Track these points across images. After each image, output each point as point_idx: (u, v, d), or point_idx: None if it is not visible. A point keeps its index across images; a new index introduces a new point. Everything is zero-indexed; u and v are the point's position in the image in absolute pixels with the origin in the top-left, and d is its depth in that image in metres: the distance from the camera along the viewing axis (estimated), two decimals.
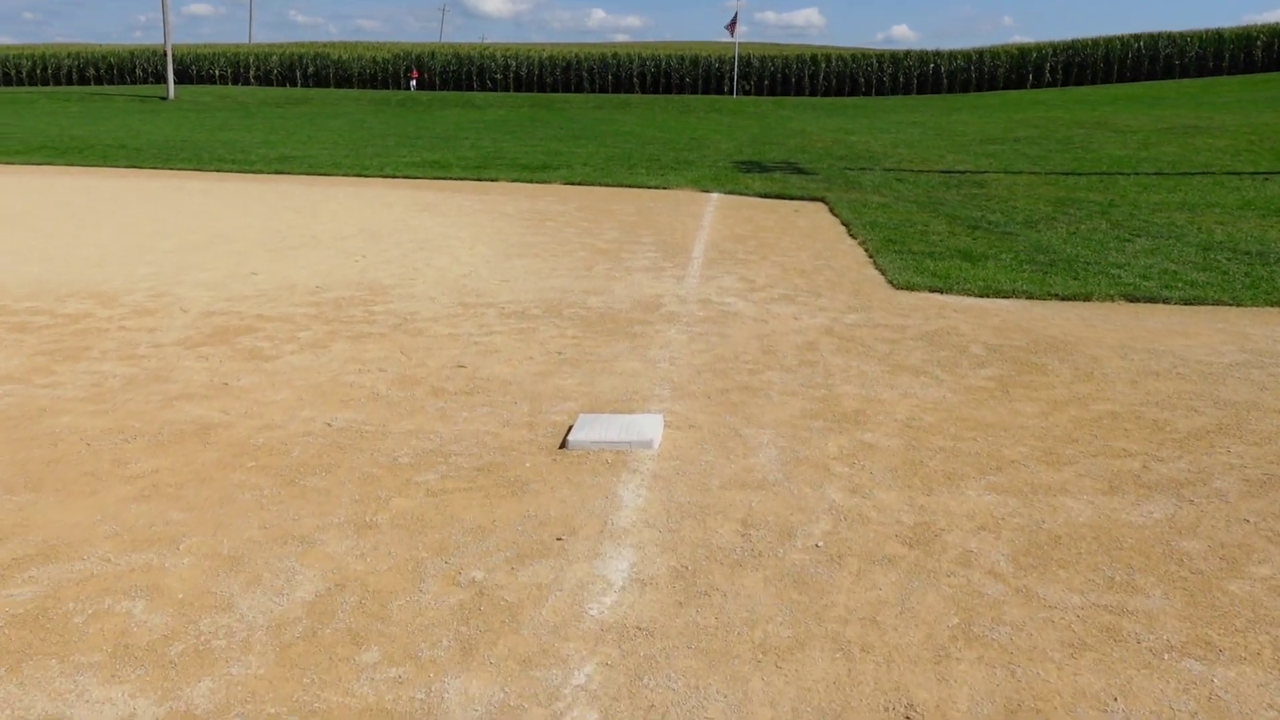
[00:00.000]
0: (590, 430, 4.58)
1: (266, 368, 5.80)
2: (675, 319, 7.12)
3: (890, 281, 8.49)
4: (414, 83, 57.94)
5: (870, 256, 9.71)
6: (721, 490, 4.07)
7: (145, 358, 5.96)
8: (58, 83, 61.15)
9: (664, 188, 15.89)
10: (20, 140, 24.76)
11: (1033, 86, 55.04)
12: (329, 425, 4.83)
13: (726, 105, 49.18)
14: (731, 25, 54.03)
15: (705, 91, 58.96)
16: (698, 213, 13.20)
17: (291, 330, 6.65)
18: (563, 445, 4.53)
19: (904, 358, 6.13)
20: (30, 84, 61.04)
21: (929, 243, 10.40)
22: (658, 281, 8.49)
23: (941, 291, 8.12)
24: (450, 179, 17.23)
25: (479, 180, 17.02)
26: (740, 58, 57.40)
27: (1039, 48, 56.95)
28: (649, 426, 4.61)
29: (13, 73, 61.91)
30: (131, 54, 62.44)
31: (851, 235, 11.11)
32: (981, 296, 7.98)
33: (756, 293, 8.03)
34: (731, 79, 57.60)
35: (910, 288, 8.24)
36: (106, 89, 57.68)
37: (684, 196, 15.01)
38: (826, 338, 6.61)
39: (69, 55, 63.18)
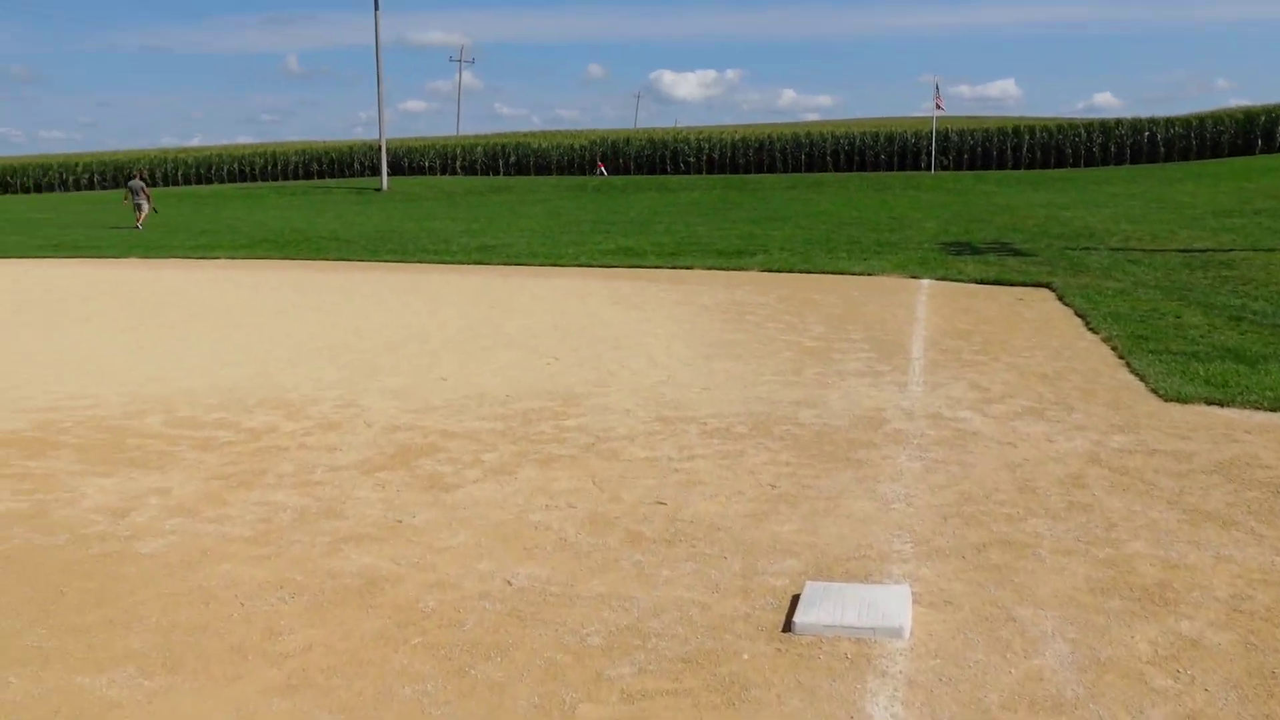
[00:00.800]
0: (821, 608, 3.70)
1: (446, 500, 5.22)
2: (904, 440, 6.17)
3: (1154, 390, 7.23)
4: (601, 170, 59.19)
5: (1121, 357, 8.45)
6: (1004, 712, 3.10)
7: (321, 485, 5.49)
8: (286, 177, 65.74)
9: (868, 274, 14.93)
10: (247, 234, 26.19)
11: (1263, 152, 50.93)
12: (509, 584, 4.14)
13: (924, 181, 47.70)
14: (938, 98, 52.76)
15: (901, 168, 57.57)
16: (909, 302, 12.17)
17: (476, 451, 6.08)
18: (787, 627, 3.66)
19: (1201, 500, 4.96)
20: (263, 179, 65.87)
21: (1188, 339, 9.02)
22: (876, 389, 7.55)
23: (1222, 404, 6.82)
24: (645, 267, 16.81)
25: (674, 268, 16.53)
26: (938, 132, 55.85)
27: (1267, 110, 52.81)
28: (896, 606, 3.69)
29: (249, 169, 67.03)
30: (351, 149, 66.54)
31: (1091, 329, 9.83)
32: (1274, 411, 6.65)
33: (994, 405, 6.97)
34: (929, 154, 56.04)
35: (1181, 399, 6.97)
36: (328, 182, 61.54)
37: (891, 284, 14.00)
38: (1094, 469, 5.50)
39: (296, 152, 67.94)
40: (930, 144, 55.83)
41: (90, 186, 68.98)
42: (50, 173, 70.21)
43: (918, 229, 22.81)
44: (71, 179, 69.76)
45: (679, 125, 78.90)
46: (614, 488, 5.37)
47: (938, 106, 54.13)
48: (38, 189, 69.28)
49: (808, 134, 61.33)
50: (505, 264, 18.01)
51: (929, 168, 55.32)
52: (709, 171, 59.29)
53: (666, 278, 15.35)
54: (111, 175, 68.50)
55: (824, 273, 15.28)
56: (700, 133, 64.39)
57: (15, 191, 69.05)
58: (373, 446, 6.24)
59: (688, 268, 16.46)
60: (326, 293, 14.47)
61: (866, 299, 12.45)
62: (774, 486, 5.32)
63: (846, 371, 8.20)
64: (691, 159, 60.37)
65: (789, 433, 6.38)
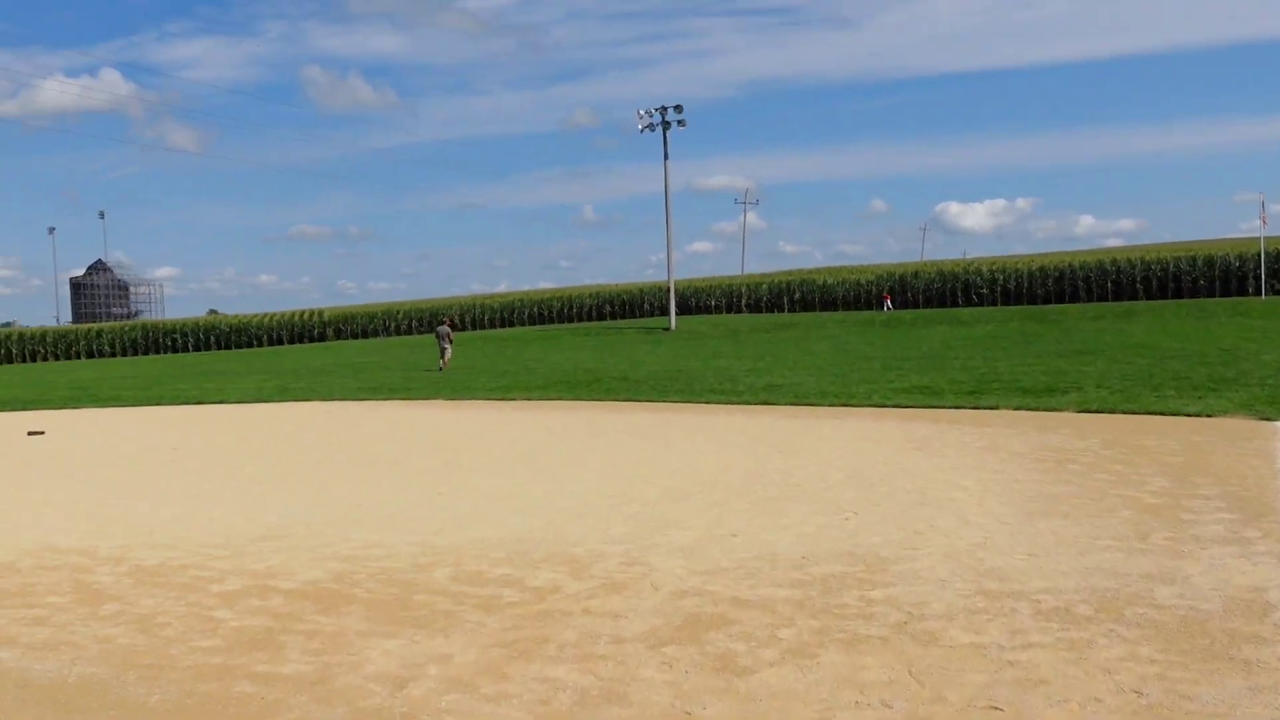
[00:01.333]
0: None
1: (739, 688, 4.59)
2: None
3: None
4: (888, 304, 57.93)
5: None
6: None
7: (604, 659, 5.03)
8: (581, 319, 69.15)
9: (1206, 415, 13.17)
10: (542, 375, 27.27)
11: None
12: None
13: (1254, 307, 43.18)
14: (1263, 216, 48.21)
15: (1224, 293, 52.65)
16: (1267, 450, 10.48)
17: (772, 625, 5.44)
18: None
19: None
20: (560, 321, 69.63)
21: None
22: (1250, 563, 6.26)
23: None
24: (944, 407, 15.75)
25: (976, 408, 15.36)
26: (1267, 253, 50.76)
27: None
28: None
29: (547, 312, 71.14)
30: (641, 290, 69.21)
31: None
32: None
33: None
34: (1256, 277, 50.92)
35: None
36: (619, 322, 64.04)
37: (1237, 427, 12.22)
38: None
39: (590, 294, 71.51)
40: (1258, 266, 50.81)
41: (409, 331, 75.44)
42: (376, 319, 77.45)
43: (1255, 362, 20.29)
44: (394, 324, 76.62)
45: (967, 256, 76.59)
46: (935, 682, 4.54)
47: (1263, 224, 49.41)
48: (365, 334, 76.55)
49: (1113, 260, 57.61)
50: (793, 404, 17.48)
51: (1258, 292, 50.22)
52: (1004, 303, 56.73)
53: (969, 419, 14.24)
54: (427, 320, 74.59)
55: (1152, 413, 13.65)
56: (993, 263, 62.00)
57: (347, 337, 76.58)
58: (659, 614, 5.74)
59: (992, 408, 15.24)
60: (615, 435, 14.45)
61: (1211, 445, 10.85)
62: (1140, 694, 4.31)
63: (1205, 537, 6.93)
64: (984, 290, 58.09)
65: (1146, 617, 5.30)
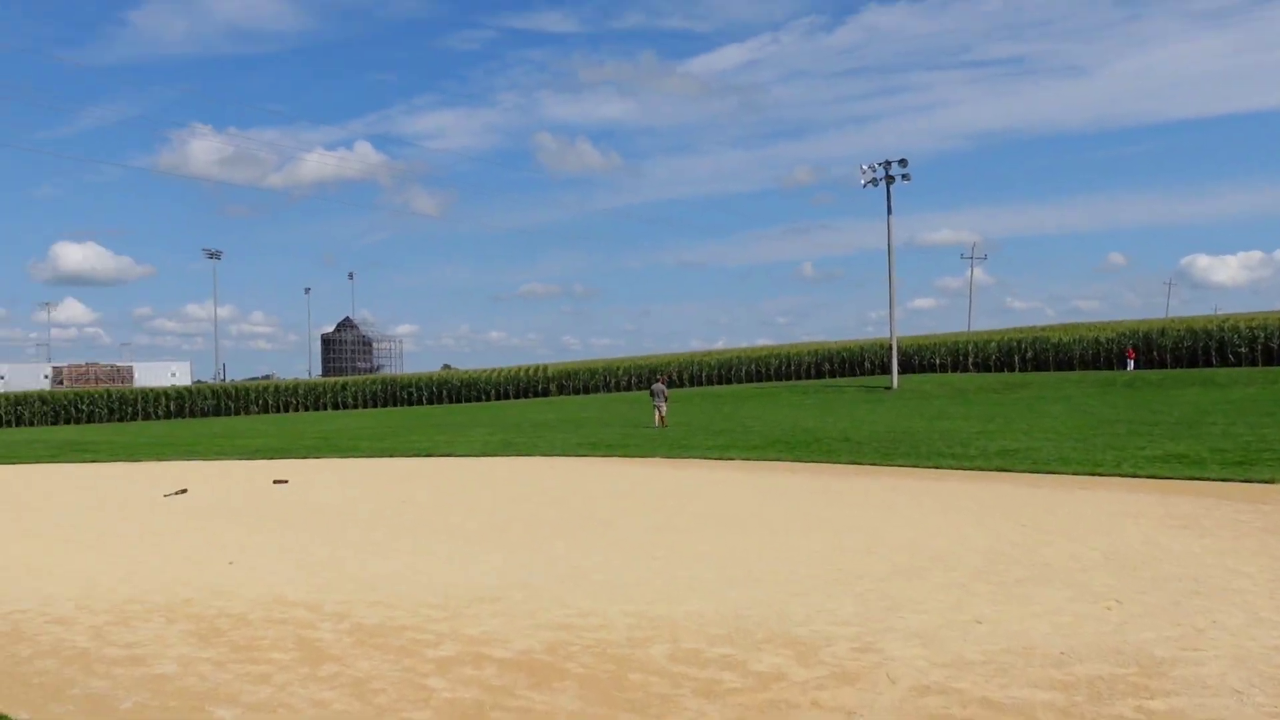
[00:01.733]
0: None
1: None
2: None
3: None
4: (1131, 363, 53.92)
5: None
6: None
7: None
8: (799, 376, 68.16)
9: None
10: (760, 434, 26.77)
11: None
12: None
13: None
14: None
15: None
16: None
17: None
18: None
19: None
20: (778, 379, 68.88)
21: None
22: None
23: None
24: (1207, 479, 14.19)
25: (1246, 481, 13.74)
26: None
27: None
28: None
29: (765, 369, 70.58)
30: (861, 348, 67.59)
31: None
32: None
33: None
34: None
35: None
36: (838, 381, 62.67)
37: None
38: None
39: (809, 352, 70.44)
40: None
41: (629, 387, 76.59)
42: (597, 375, 79.10)
43: None
44: (614, 380, 78.01)
45: (1220, 312, 70.65)
46: None
47: None
48: (586, 390, 78.30)
49: None
50: (1031, 471, 16.23)
51: None
52: (1265, 363, 51.75)
53: (1239, 494, 12.72)
54: (646, 377, 75.53)
55: None
56: (1251, 320, 56.79)
57: (570, 392, 78.54)
58: (897, 713, 5.13)
59: (1267, 481, 13.59)
60: (838, 500, 13.77)
61: None
62: None
63: None
64: (1243, 349, 53.23)
65: None
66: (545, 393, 79.98)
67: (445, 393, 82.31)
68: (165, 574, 9.63)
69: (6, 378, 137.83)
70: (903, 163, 52.12)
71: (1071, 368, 57.22)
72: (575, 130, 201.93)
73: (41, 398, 76.57)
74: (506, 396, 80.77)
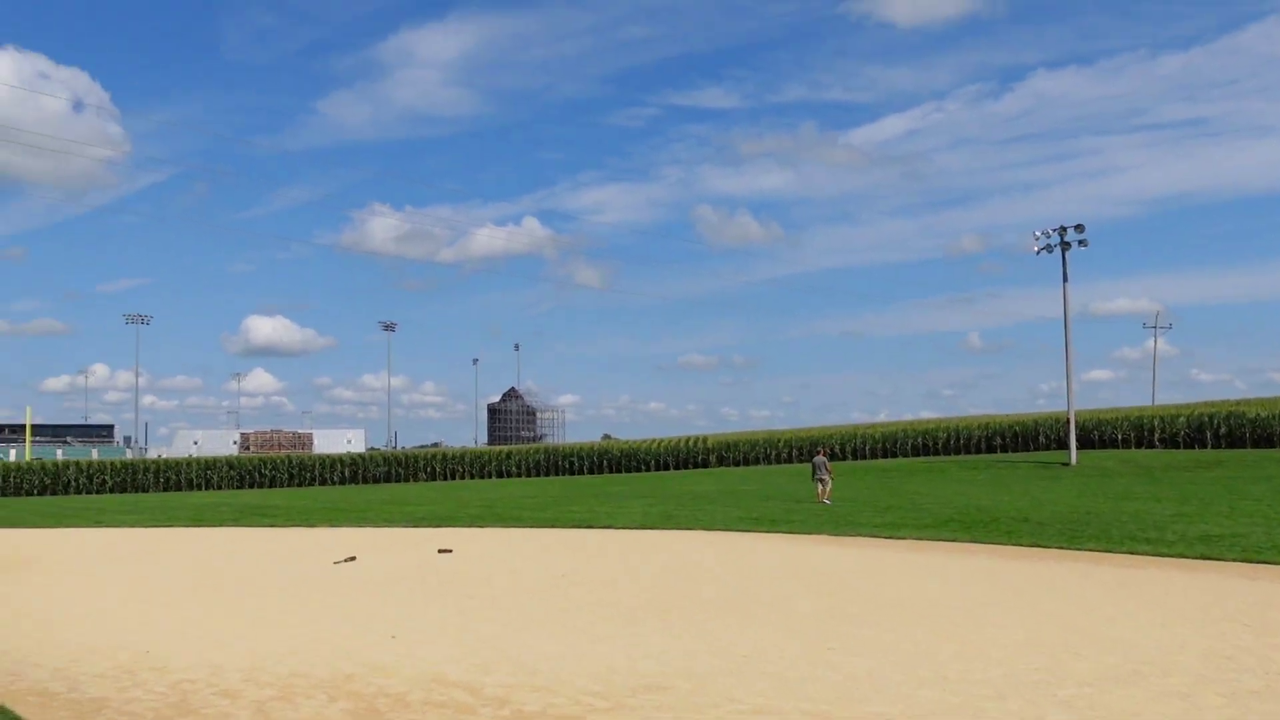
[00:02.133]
0: None
1: None
2: None
3: None
4: None
5: None
6: None
7: None
8: (967, 451, 65.50)
9: None
10: (931, 512, 25.53)
11: None
12: None
13: None
14: None
15: None
16: None
17: None
18: None
19: None
20: (944, 453, 66.39)
21: None
22: None
23: None
24: None
25: None
26: None
27: None
28: None
29: (932, 443, 68.19)
30: (1035, 421, 64.54)
31: None
32: None
33: None
34: None
35: None
36: (1010, 456, 59.89)
37: None
38: None
39: (978, 425, 67.73)
40: None
41: (789, 460, 75.27)
42: (757, 447, 78.13)
43: None
44: (774, 453, 76.87)
45: None
46: None
47: None
48: (746, 462, 77.38)
49: None
50: (1241, 560, 14.73)
51: None
52: None
53: None
54: (806, 449, 74.12)
55: None
56: None
57: (729, 464, 77.79)
58: None
59: None
60: (1025, 588, 12.74)
61: None
62: None
63: None
64: None
65: None
66: (704, 464, 79.44)
67: (605, 462, 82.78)
68: (330, 646, 9.59)
69: (200, 443, 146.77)
70: (1078, 228, 49.96)
71: (1271, 445, 53.00)
72: (735, 202, 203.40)
73: (229, 463, 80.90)
74: (666, 467, 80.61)
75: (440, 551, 18.76)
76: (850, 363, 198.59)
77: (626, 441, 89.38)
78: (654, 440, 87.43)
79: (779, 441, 77.69)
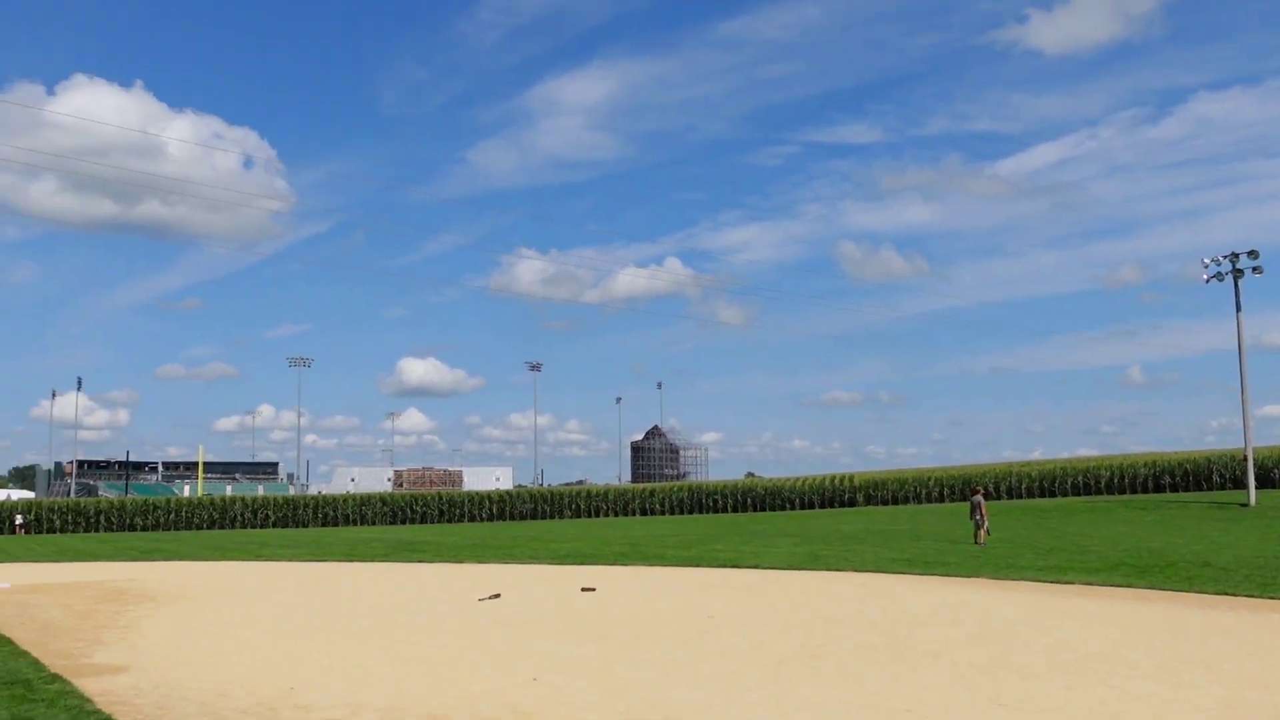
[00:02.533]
0: None
1: None
2: None
3: None
4: None
5: None
6: None
7: None
8: (1133, 490, 62.00)
9: None
10: (1098, 554, 23.97)
11: None
12: None
13: None
14: None
15: None
16: None
17: None
18: None
19: None
20: (1106, 492, 62.99)
21: None
22: None
23: None
24: None
25: None
26: None
27: None
28: None
29: (1092, 482, 64.82)
30: (1207, 459, 60.65)
31: None
32: None
33: None
34: None
35: None
36: (1181, 495, 56.36)
37: None
38: None
39: (1144, 463, 64.05)
40: None
41: (940, 499, 72.79)
42: (906, 486, 75.89)
43: None
44: (924, 492, 74.47)
45: None
46: None
47: None
48: (894, 501, 75.19)
49: None
50: None
51: None
52: None
53: None
54: (959, 489, 71.51)
55: None
56: None
57: (876, 503, 75.72)
58: None
59: None
60: (1220, 644, 11.58)
61: None
62: None
63: None
64: None
65: None
66: (851, 503, 77.59)
67: (750, 501, 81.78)
68: (471, 687, 9.36)
69: (357, 480, 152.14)
70: (1252, 254, 46.90)
71: None
72: (879, 237, 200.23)
73: (382, 499, 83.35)
74: (811, 506, 79.07)
75: (584, 590, 18.53)
76: (1003, 399, 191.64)
77: (771, 480, 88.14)
78: (799, 479, 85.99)
79: (929, 480, 75.28)
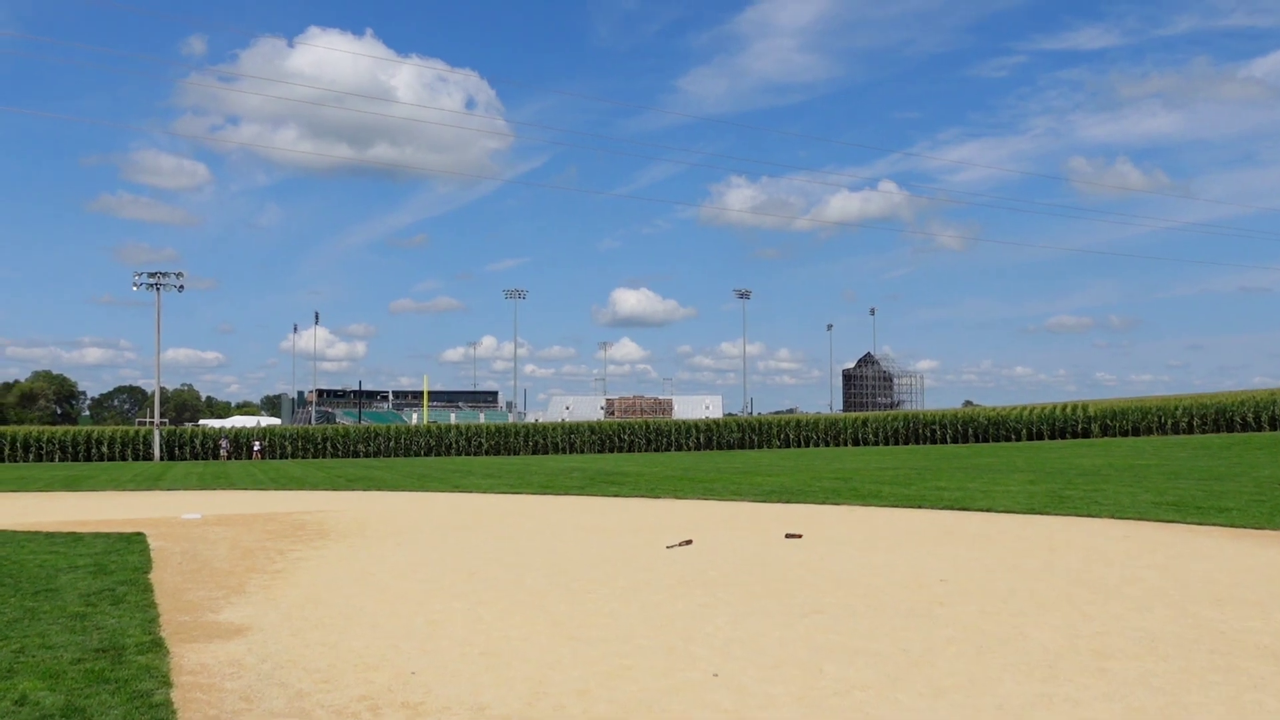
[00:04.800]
0: None
1: None
2: None
3: None
4: None
5: None
6: None
7: None
8: None
9: None
10: None
11: None
12: None
13: None
14: None
15: None
16: None
17: None
18: None
19: None
20: None
21: None
22: None
23: None
24: None
25: None
26: None
27: None
28: None
29: None
30: None
31: None
32: None
33: None
34: None
35: None
36: None
37: None
38: None
39: None
40: None
41: (1187, 430, 66.03)
42: (1149, 415, 69.27)
43: None
44: (1169, 422, 67.72)
45: None
46: None
47: None
48: (1135, 432, 68.78)
49: None
50: None
51: None
52: None
53: None
54: (1212, 417, 64.55)
55: None
56: None
57: (1113, 434, 69.54)
58: None
59: None
60: None
61: None
62: None
63: None
64: None
65: None
66: (1085, 434, 71.64)
67: (971, 431, 77.01)
68: (629, 685, 7.16)
69: (571, 409, 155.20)
70: None
71: None
72: (1113, 150, 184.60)
73: (591, 427, 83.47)
74: (1039, 437, 73.62)
75: (788, 536, 16.12)
76: (1251, 322, 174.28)
77: (994, 409, 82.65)
78: (1024, 407, 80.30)
79: (1175, 409, 68.40)
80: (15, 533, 17.83)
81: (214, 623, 9.65)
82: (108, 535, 17.22)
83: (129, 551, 14.80)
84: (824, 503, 23.25)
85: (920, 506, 21.75)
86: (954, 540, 15.64)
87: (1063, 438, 72.05)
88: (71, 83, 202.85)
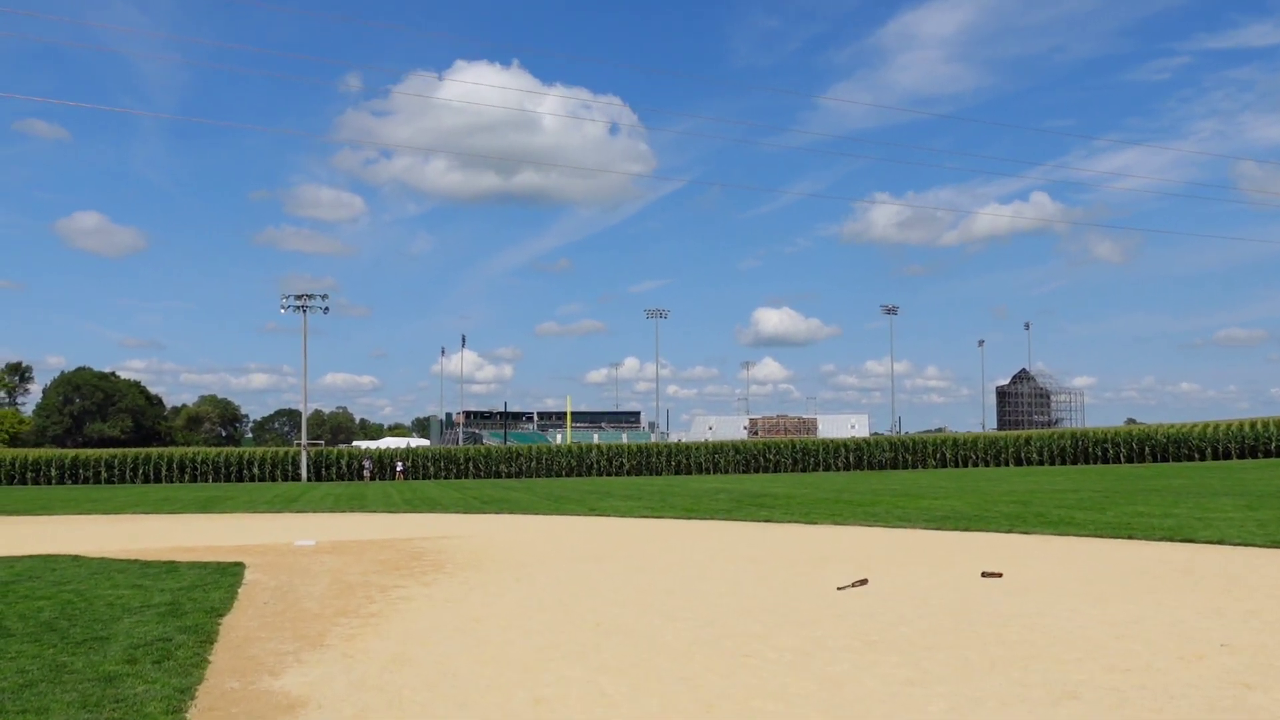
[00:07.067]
0: None
1: None
2: None
3: None
4: None
5: None
6: None
7: None
8: None
9: None
10: None
11: None
12: None
13: None
14: None
15: None
16: None
17: None
18: None
19: None
20: None
21: None
22: None
23: None
24: None
25: None
26: None
27: None
28: None
29: None
30: None
31: None
32: None
33: None
34: None
35: None
36: None
37: None
38: None
39: None
40: None
41: None
42: None
43: None
44: None
45: None
46: None
47: None
48: None
49: None
50: None
51: None
52: None
53: None
54: None
55: None
56: None
57: None
58: None
59: None
60: None
61: None
62: None
63: None
64: None
65: None
66: (1278, 453, 65.02)
67: (1148, 450, 71.04)
68: None
69: (714, 428, 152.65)
70: None
71: None
72: None
73: (735, 447, 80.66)
74: (1224, 456, 67.25)
75: (985, 575, 13.24)
76: None
77: (1171, 425, 76.11)
78: (1205, 424, 73.67)
79: None
80: (112, 561, 16.45)
81: (266, 692, 7.56)
82: (204, 565, 15.63)
83: (216, 587, 13.05)
84: (1009, 530, 20.07)
85: (1130, 537, 18.36)
86: (1201, 584, 12.44)
87: (1252, 457, 65.55)
88: (241, 117, 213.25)
